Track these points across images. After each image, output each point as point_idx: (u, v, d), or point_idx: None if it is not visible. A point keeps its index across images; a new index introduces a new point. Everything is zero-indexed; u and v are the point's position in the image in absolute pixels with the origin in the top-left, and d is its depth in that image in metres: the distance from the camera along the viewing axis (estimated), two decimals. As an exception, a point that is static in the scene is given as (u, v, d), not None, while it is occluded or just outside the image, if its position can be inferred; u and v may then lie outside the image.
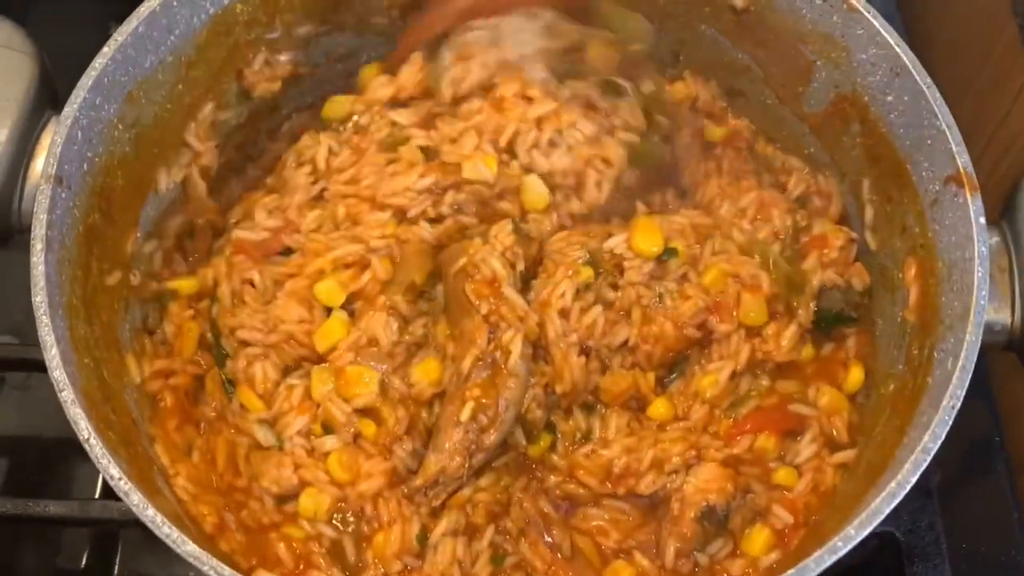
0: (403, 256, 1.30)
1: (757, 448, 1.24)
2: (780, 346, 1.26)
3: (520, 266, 1.26)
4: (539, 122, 1.33)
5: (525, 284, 1.27)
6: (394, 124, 1.38)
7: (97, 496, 1.45)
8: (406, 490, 1.20)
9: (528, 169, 1.33)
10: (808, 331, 1.30)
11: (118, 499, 1.33)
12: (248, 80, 1.40)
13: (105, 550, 1.50)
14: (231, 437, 1.24)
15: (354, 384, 1.22)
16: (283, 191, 1.38)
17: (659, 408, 1.26)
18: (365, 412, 1.22)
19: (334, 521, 1.19)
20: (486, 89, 1.36)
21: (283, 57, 1.42)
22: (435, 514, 1.20)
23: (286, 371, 1.26)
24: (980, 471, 1.51)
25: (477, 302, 1.23)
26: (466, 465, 1.19)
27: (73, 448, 1.50)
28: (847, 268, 1.32)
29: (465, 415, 1.20)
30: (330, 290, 1.27)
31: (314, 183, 1.37)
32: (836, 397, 1.28)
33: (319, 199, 1.36)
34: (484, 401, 1.20)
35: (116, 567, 1.50)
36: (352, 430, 1.21)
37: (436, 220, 1.32)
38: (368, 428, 1.21)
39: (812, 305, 1.29)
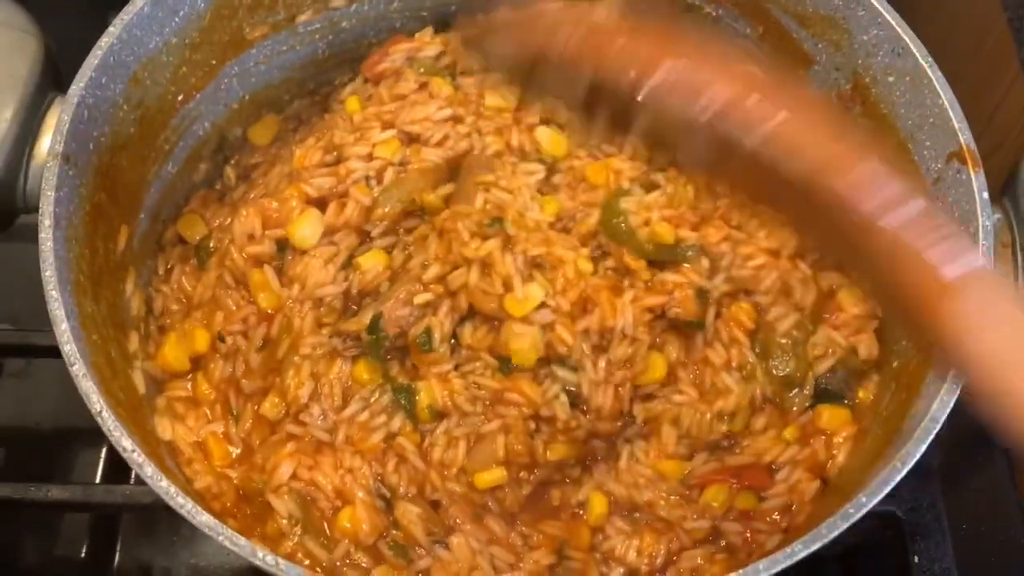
0: (406, 174, 1.30)
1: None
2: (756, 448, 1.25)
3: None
4: None
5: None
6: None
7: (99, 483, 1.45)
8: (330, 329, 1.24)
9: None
10: None
11: (121, 484, 1.37)
12: None
13: (105, 538, 1.49)
14: None
15: None
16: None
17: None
18: None
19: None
20: None
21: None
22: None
23: None
24: (981, 451, 1.52)
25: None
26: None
27: (72, 436, 1.53)
28: (857, 334, 1.28)
29: (419, 300, 1.21)
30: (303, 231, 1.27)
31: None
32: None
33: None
34: (440, 299, 1.22)
35: (117, 556, 1.49)
36: None
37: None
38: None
39: (807, 399, 1.26)
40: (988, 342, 0.86)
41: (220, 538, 0.95)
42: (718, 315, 1.27)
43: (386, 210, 1.28)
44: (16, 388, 1.58)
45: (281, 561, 0.94)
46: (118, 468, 1.44)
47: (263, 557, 0.94)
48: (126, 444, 1.00)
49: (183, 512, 0.96)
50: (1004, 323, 0.87)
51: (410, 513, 1.17)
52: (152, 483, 0.98)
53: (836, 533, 0.99)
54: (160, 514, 1.01)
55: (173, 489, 0.97)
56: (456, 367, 1.24)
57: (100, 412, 1.01)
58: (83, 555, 1.46)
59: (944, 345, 0.88)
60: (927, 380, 1.12)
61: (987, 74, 1.78)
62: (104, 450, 1.48)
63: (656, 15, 1.14)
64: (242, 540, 0.95)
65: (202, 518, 0.96)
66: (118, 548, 1.49)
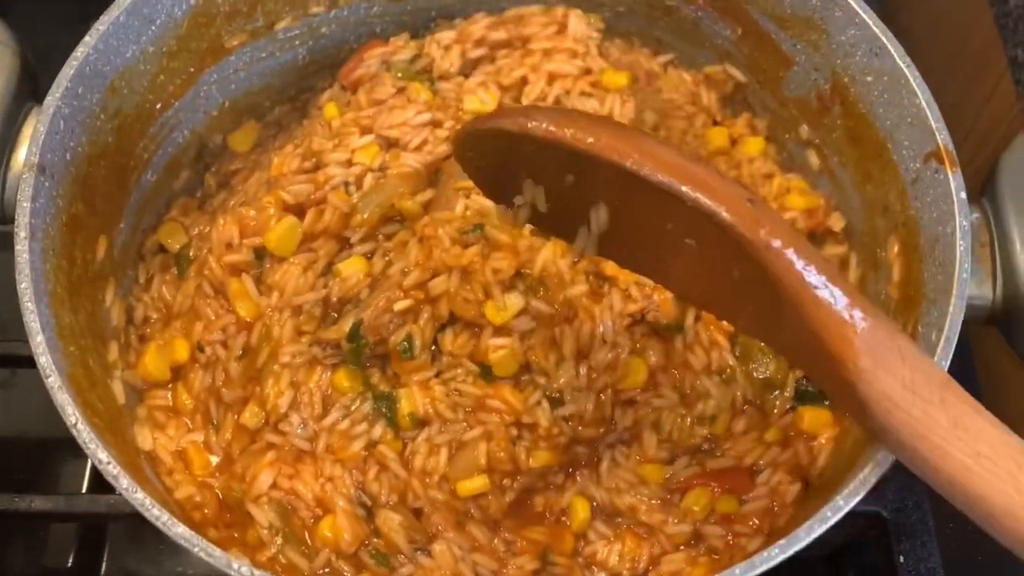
0: (385, 180, 1.30)
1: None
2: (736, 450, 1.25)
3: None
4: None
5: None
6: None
7: (84, 492, 1.45)
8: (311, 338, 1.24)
9: None
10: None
11: (105, 493, 1.37)
12: None
13: (92, 548, 1.48)
14: None
15: None
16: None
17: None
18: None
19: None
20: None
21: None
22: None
23: None
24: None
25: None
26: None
27: (59, 446, 1.53)
28: None
29: (400, 306, 1.21)
30: (281, 238, 1.27)
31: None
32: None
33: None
34: (421, 305, 1.22)
35: (103, 565, 1.49)
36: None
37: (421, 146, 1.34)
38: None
39: (788, 401, 1.26)
40: (885, 382, 0.90)
41: (195, 549, 0.95)
42: (698, 318, 1.27)
43: (365, 216, 1.28)
44: (1, 398, 1.58)
45: (256, 572, 0.93)
46: (104, 478, 1.44)
47: (238, 568, 0.93)
48: (102, 456, 1.00)
49: (158, 524, 0.96)
50: (902, 364, 0.90)
51: (391, 521, 1.17)
52: (127, 495, 0.98)
53: (814, 536, 0.98)
54: (146, 523, 1.01)
55: (149, 501, 0.97)
56: (437, 374, 1.24)
57: (75, 424, 1.01)
58: (70, 564, 1.45)
59: (849, 389, 0.91)
60: (906, 381, 1.11)
61: (973, 72, 1.78)
62: (90, 460, 1.47)
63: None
64: (217, 551, 0.94)
65: (178, 530, 0.96)
66: (105, 557, 1.49)
